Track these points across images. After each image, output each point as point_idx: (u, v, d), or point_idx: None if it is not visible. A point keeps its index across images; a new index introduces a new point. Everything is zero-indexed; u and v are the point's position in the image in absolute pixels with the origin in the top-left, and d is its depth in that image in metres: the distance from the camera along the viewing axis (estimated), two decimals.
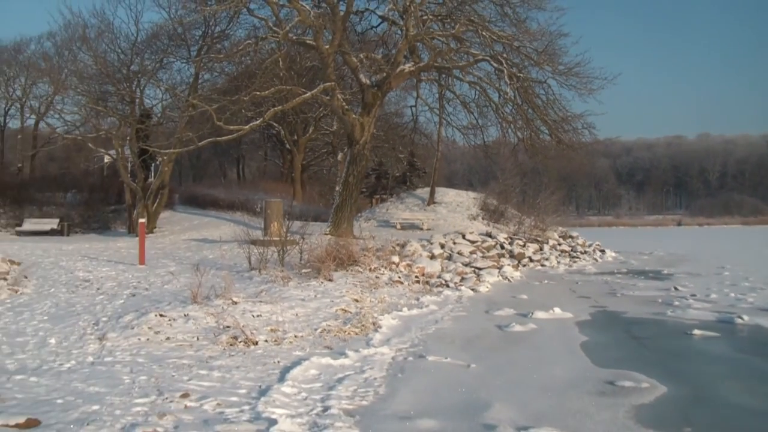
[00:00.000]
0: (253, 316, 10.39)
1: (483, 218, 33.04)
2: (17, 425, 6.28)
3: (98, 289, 14.58)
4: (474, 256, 19.75)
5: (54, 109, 43.39)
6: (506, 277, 18.51)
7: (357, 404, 6.99)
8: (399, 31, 25.49)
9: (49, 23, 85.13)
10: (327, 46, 23.62)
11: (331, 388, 7.46)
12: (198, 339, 9.57)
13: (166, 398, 7.06)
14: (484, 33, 24.22)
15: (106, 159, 44.97)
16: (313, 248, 15.23)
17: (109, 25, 33.99)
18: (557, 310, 12.95)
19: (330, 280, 13.34)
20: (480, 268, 18.42)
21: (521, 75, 24.98)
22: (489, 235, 22.69)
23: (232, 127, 24.21)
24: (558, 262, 23.15)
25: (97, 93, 34.10)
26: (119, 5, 38.80)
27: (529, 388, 7.83)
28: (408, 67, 24.66)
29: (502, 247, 22.14)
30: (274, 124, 40.10)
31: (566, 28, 40.49)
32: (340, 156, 39.64)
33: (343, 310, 11.19)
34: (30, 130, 56.18)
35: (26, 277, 16.77)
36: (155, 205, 33.00)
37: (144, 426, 6.23)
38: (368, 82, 24.67)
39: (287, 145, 44.78)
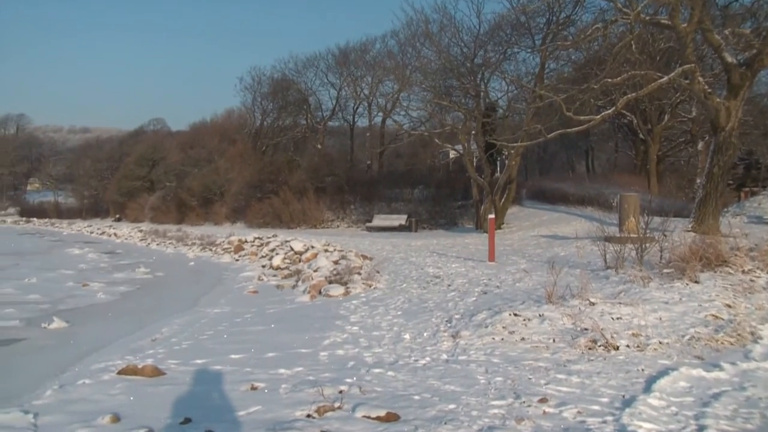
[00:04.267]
0: (612, 318, 10.05)
1: None
2: (378, 418, 6.60)
3: (449, 285, 15.06)
4: None
5: (400, 105, 45.85)
6: None
7: (739, 427, 6.31)
8: None
9: (392, 22, 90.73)
10: (685, 25, 22.34)
11: (706, 405, 6.86)
12: (554, 341, 9.45)
13: (524, 402, 7.00)
14: None
15: (452, 154, 46.60)
16: (674, 246, 14.46)
17: (451, 19, 35.08)
18: None
19: (696, 281, 12.54)
20: None
21: None
22: None
23: (581, 118, 23.83)
24: None
25: (441, 88, 35.31)
26: None
27: None
28: None
29: None
30: (626, 112, 39.02)
31: None
32: (700, 145, 37.58)
33: (713, 316, 10.41)
34: (377, 128, 60.26)
35: (378, 272, 17.84)
36: (503, 200, 33.51)
37: (502, 429, 6.24)
38: (734, 61, 22.95)
39: (640, 135, 43.30)
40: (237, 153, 61.61)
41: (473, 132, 35.34)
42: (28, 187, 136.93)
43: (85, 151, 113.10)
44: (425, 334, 10.55)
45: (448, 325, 10.99)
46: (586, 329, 9.68)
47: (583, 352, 8.96)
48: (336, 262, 19.69)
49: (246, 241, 31.31)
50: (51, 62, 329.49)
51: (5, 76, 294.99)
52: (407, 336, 10.51)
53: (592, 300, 10.87)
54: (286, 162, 55.95)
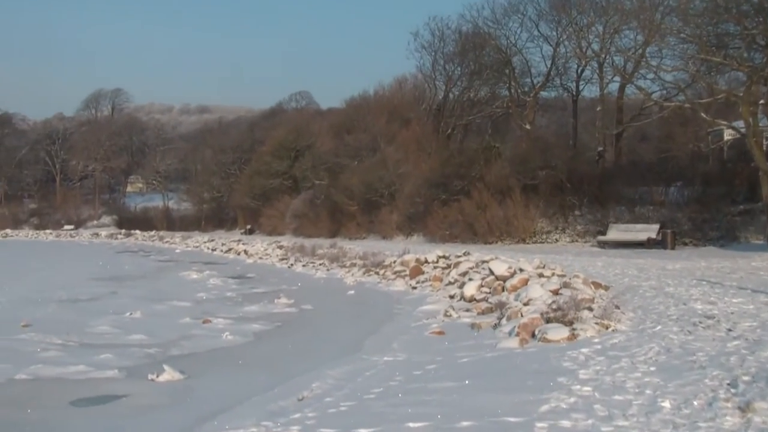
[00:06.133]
0: None
1: None
2: None
3: (729, 330, 14.45)
4: None
5: (646, 65, 44.75)
6: None
7: None
8: None
9: None
10: None
11: None
12: None
13: None
14: None
15: (728, 135, 45.09)
16: None
17: None
18: None
19: None
20: None
21: None
22: None
23: None
24: None
25: (710, 37, 34.22)
26: None
27: None
28: None
29: None
30: None
31: None
32: None
33: None
34: (613, 99, 58.93)
35: (618, 308, 17.52)
36: None
37: None
38: None
39: None
40: (412, 138, 62.35)
41: (762, 101, 34.09)
42: (128, 188, 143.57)
43: (203, 138, 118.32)
44: (695, 403, 9.90)
45: (732, 391, 10.28)
46: None
47: None
48: (556, 292, 19.42)
49: (426, 262, 31.48)
50: (155, 21, 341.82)
51: (95, 40, 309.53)
52: (667, 404, 9.93)
53: None
54: (481, 150, 56.14)
